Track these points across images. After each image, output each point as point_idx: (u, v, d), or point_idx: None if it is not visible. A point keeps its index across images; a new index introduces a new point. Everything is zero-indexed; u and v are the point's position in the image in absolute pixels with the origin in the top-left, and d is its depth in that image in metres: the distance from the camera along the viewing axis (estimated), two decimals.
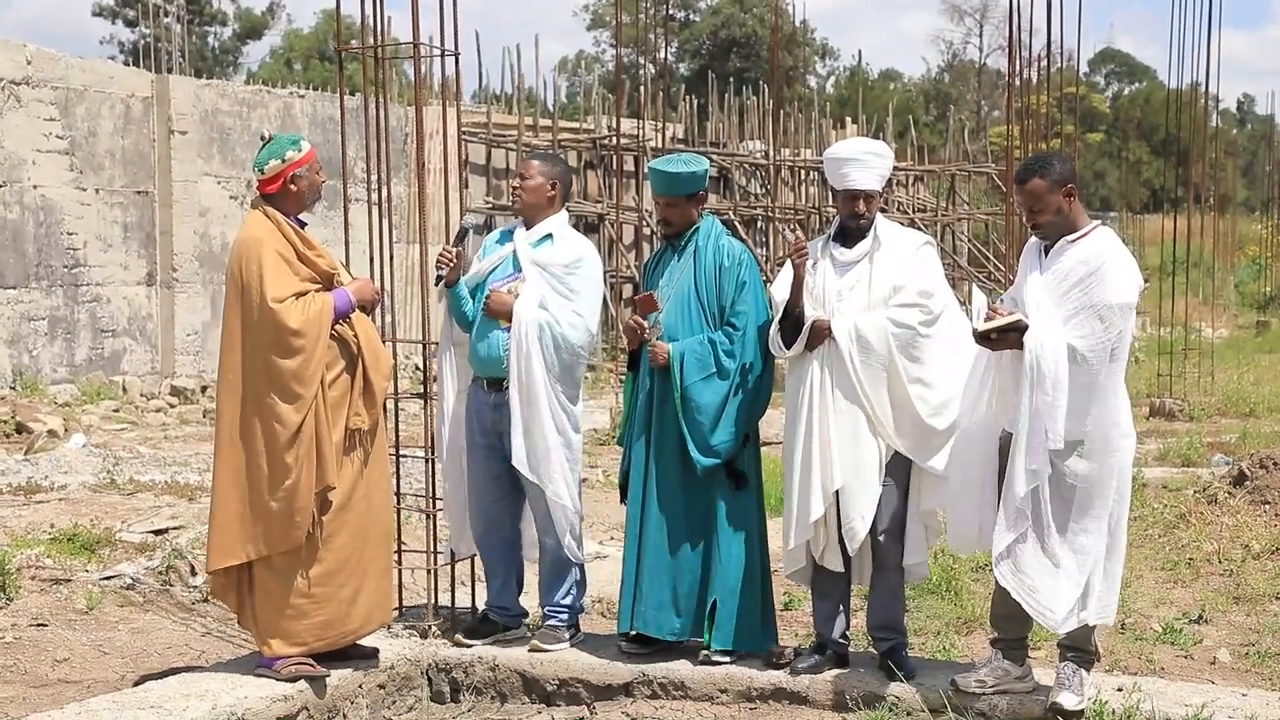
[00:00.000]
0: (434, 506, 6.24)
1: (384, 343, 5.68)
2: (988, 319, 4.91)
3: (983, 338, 4.92)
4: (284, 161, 5.38)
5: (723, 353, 5.49)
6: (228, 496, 5.29)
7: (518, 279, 5.76)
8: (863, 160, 5.41)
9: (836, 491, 5.27)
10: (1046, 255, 5.02)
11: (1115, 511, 4.97)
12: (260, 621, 5.37)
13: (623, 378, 6.11)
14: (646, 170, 5.79)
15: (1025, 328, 4.87)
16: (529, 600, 6.19)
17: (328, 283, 5.38)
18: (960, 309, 5.45)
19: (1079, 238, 4.97)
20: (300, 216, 5.48)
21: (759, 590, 5.64)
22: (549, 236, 5.84)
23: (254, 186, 5.47)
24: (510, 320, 5.67)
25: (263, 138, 5.53)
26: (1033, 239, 5.16)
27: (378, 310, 5.72)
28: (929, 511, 5.39)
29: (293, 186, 5.40)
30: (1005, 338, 4.88)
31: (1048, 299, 4.92)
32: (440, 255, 5.80)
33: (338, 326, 5.33)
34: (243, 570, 5.38)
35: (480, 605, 6.15)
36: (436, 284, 5.83)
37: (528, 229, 5.86)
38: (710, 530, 5.56)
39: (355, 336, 5.40)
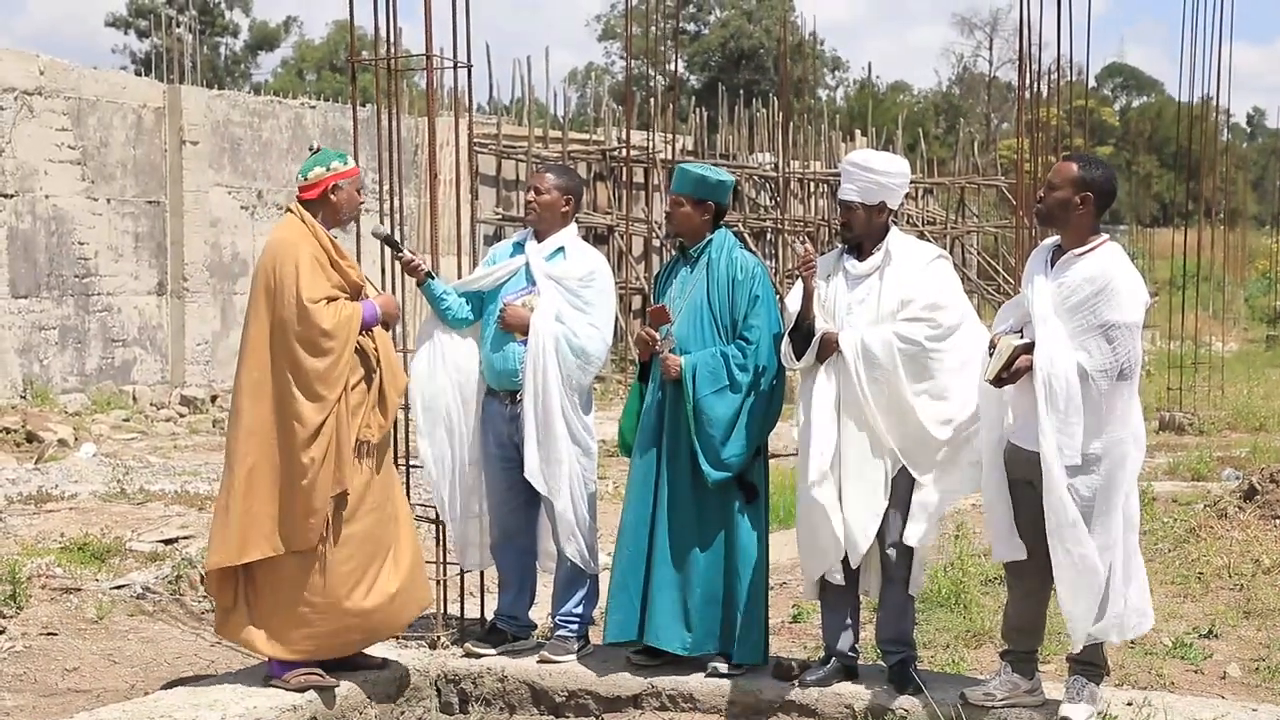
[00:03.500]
0: (441, 517, 6.23)
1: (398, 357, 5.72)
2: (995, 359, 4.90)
3: (997, 382, 4.91)
4: (328, 170, 5.46)
5: (735, 366, 5.50)
6: (244, 494, 5.29)
7: (532, 292, 5.78)
8: (848, 171, 5.41)
9: (842, 504, 5.27)
10: (1053, 266, 5.01)
11: (1123, 529, 4.95)
12: (262, 626, 5.35)
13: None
14: (675, 170, 5.80)
15: (1029, 347, 4.86)
16: (539, 611, 6.19)
17: (356, 293, 5.45)
18: (980, 323, 5.42)
19: (1085, 252, 4.94)
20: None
21: (766, 602, 5.66)
22: (561, 250, 5.86)
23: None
24: (525, 333, 5.69)
25: (311, 149, 5.64)
26: (1040, 245, 5.16)
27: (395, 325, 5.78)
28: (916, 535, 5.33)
29: (332, 196, 5.46)
30: (1017, 371, 4.88)
31: (1053, 313, 4.91)
32: (407, 261, 5.85)
33: (360, 337, 5.37)
34: (240, 573, 5.37)
35: (489, 615, 6.15)
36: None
37: (538, 241, 5.89)
38: (725, 543, 5.55)
39: (375, 349, 5.45)
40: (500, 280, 5.88)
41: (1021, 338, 4.93)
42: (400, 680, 5.74)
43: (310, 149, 5.63)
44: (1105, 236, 5.02)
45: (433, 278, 5.88)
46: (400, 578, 5.53)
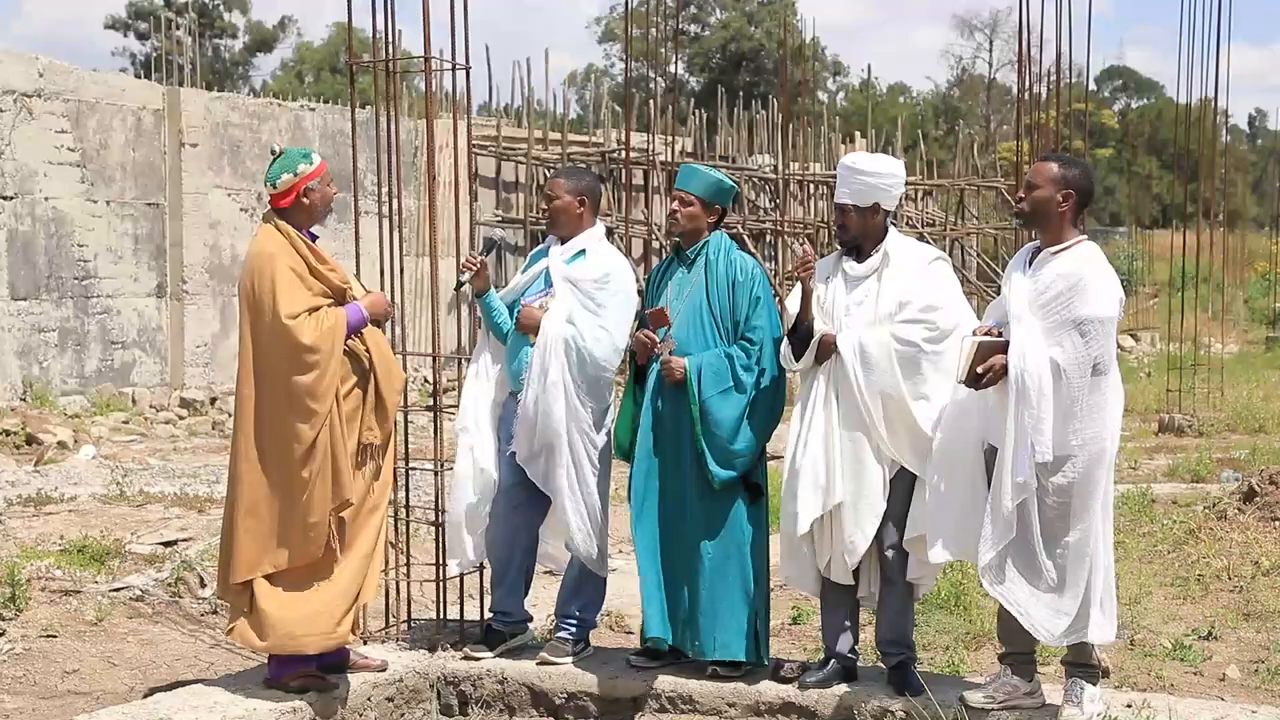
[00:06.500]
0: (442, 518, 6.23)
1: (393, 355, 5.69)
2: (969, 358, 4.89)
3: (973, 380, 4.90)
4: (296, 175, 5.38)
5: (740, 367, 5.49)
6: (246, 512, 5.26)
7: (549, 294, 5.79)
8: (840, 174, 5.43)
9: (840, 505, 5.27)
10: (1031, 265, 5.02)
11: (1102, 526, 4.96)
12: (261, 624, 5.31)
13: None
14: (683, 168, 5.79)
15: (1003, 346, 4.86)
16: (541, 612, 6.18)
17: (340, 297, 5.38)
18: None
19: (1062, 250, 4.96)
20: (312, 229, 5.49)
21: (768, 603, 5.68)
22: (582, 252, 5.87)
23: (263, 199, 5.51)
24: (538, 334, 5.70)
25: (273, 152, 5.53)
26: (1024, 248, 5.18)
27: (387, 323, 5.74)
28: (915, 538, 5.34)
29: (305, 200, 5.40)
30: (995, 371, 4.87)
31: (1028, 310, 4.91)
32: (465, 261, 5.85)
33: (350, 340, 5.34)
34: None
35: (488, 618, 6.14)
36: (457, 289, 5.85)
37: (562, 244, 5.90)
38: (729, 545, 5.54)
39: (367, 350, 5.41)
40: (526, 285, 5.91)
41: (999, 336, 4.94)
42: (399, 682, 5.74)
43: (272, 152, 5.54)
44: (1083, 236, 5.05)
45: (492, 293, 5.90)
46: (367, 580, 5.51)
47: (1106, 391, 4.90)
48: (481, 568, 6.17)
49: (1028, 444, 4.79)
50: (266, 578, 5.28)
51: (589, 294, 5.78)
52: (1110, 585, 5.02)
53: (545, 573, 6.35)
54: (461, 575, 6.21)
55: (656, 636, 5.64)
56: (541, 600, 6.19)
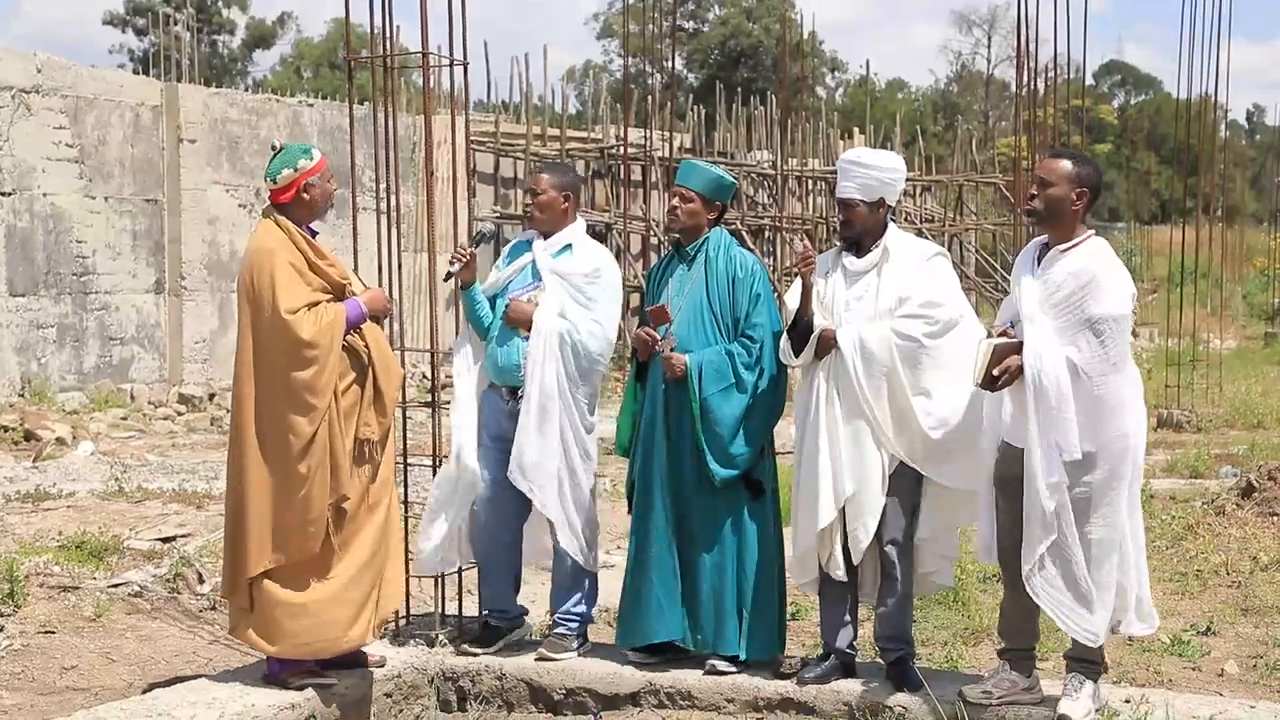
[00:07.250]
0: None
1: (392, 351, 5.69)
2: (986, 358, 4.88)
3: (989, 383, 4.89)
4: (296, 170, 5.38)
5: (741, 365, 5.49)
6: (248, 508, 5.26)
7: (537, 288, 5.79)
8: (845, 169, 5.42)
9: (845, 500, 5.27)
10: (1039, 263, 5.01)
11: (1129, 520, 4.95)
12: (266, 626, 5.33)
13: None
14: (683, 164, 5.80)
15: (1017, 347, 4.85)
16: (539, 609, 6.17)
17: (339, 293, 5.38)
18: (978, 321, 5.42)
19: (1070, 247, 4.94)
20: (311, 225, 5.49)
21: (779, 598, 5.67)
22: (568, 247, 5.87)
23: (261, 195, 5.50)
24: (529, 329, 5.69)
25: (273, 147, 5.53)
26: (1029, 244, 5.17)
27: (386, 319, 5.73)
28: (929, 536, 5.35)
29: (305, 195, 5.40)
30: (1010, 372, 4.86)
31: (1039, 310, 4.91)
32: (455, 252, 5.84)
33: (348, 336, 5.34)
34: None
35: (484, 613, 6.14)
36: (446, 279, 5.86)
37: (545, 239, 5.89)
38: (731, 542, 5.54)
39: (366, 346, 5.41)
40: (510, 279, 5.89)
41: (1010, 337, 4.93)
42: (398, 678, 5.74)
43: (273, 147, 5.54)
44: (1091, 231, 5.03)
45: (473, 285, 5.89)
46: (387, 576, 5.52)
47: (1124, 387, 4.89)
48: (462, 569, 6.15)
49: (1053, 444, 4.78)
50: (272, 579, 5.28)
51: (579, 288, 5.78)
52: (1143, 581, 5.01)
53: (542, 569, 6.34)
54: (460, 571, 6.20)
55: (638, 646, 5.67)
56: (540, 597, 6.18)
